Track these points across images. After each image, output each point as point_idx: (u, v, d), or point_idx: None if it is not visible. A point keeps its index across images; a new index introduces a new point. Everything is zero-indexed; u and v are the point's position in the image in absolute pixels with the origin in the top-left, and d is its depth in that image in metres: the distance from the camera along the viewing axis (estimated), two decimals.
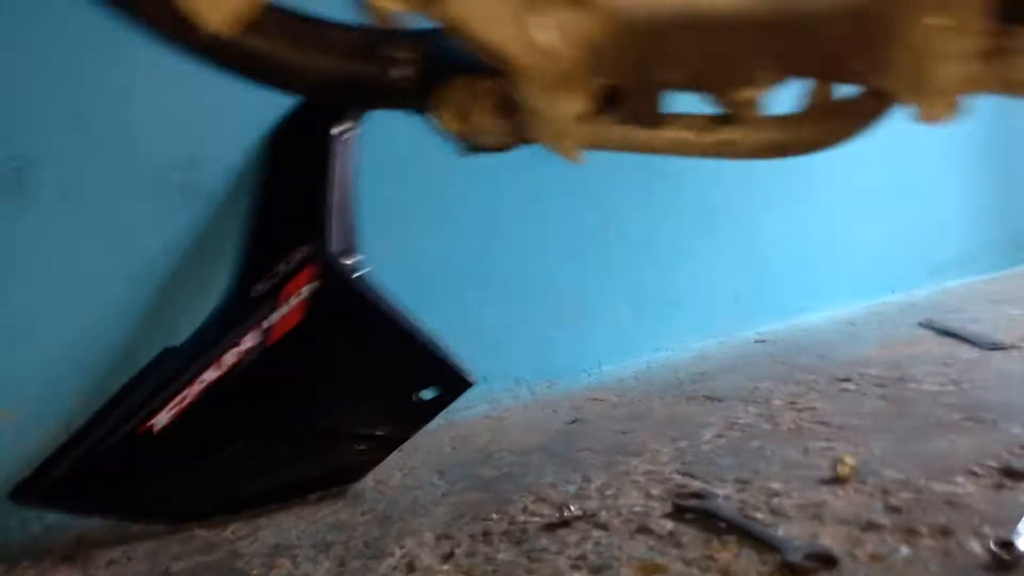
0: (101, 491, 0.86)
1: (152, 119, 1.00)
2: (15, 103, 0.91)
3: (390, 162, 1.20)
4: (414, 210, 1.23)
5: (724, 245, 1.66)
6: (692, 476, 0.88)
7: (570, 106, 0.47)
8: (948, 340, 1.46)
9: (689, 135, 0.50)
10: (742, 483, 0.85)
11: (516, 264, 1.34)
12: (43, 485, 0.83)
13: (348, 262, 0.99)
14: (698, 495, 0.81)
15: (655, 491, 0.85)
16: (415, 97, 0.50)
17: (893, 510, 0.76)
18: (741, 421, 1.08)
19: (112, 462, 0.85)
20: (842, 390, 1.19)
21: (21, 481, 0.84)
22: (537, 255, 1.36)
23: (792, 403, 1.14)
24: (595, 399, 1.27)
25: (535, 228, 1.36)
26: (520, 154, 1.35)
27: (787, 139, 0.49)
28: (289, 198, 1.04)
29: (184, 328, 0.96)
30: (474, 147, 0.49)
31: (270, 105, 1.08)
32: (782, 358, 1.44)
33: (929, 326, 1.60)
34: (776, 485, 0.83)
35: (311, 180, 1.04)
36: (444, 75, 0.47)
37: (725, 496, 0.81)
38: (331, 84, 0.50)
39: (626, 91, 0.48)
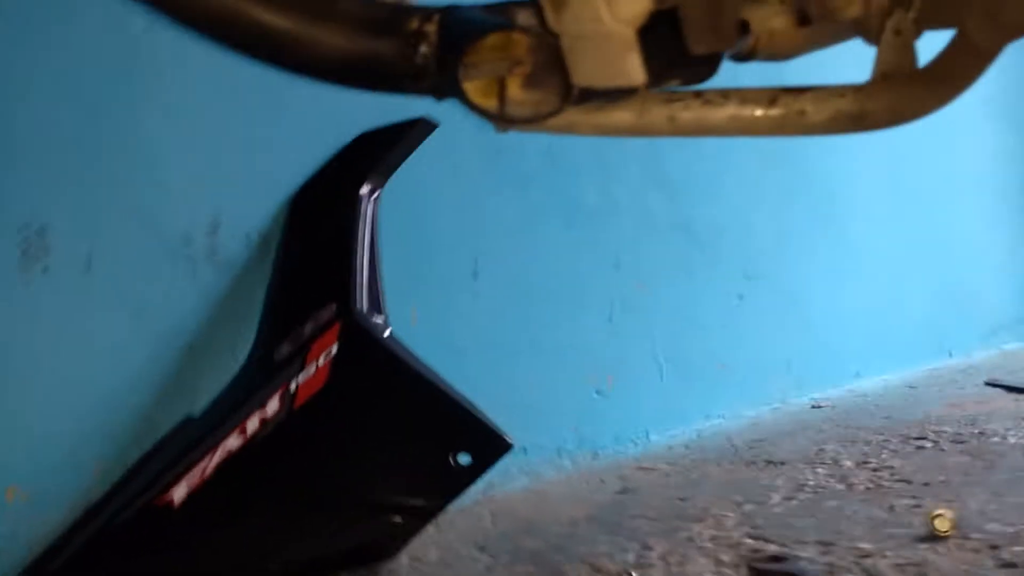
0: (116, 570, 0.78)
1: (173, 182, 0.97)
2: (33, 166, 0.89)
3: (416, 222, 1.16)
4: (443, 273, 1.18)
5: (768, 309, 1.59)
6: (766, 539, 0.78)
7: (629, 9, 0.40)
8: (1022, 397, 1.35)
9: (754, 109, 0.45)
10: (825, 544, 0.75)
11: (551, 328, 1.27)
12: (56, 565, 0.76)
13: (376, 321, 0.94)
14: (777, 558, 0.71)
15: (726, 557, 0.75)
16: (437, 74, 0.43)
17: (1007, 565, 0.65)
18: (811, 483, 0.97)
19: (128, 539, 0.78)
20: (918, 448, 1.08)
21: (32, 562, 0.77)
22: (573, 319, 1.30)
23: (864, 463, 1.03)
24: (644, 468, 1.17)
25: (571, 290, 1.31)
26: (555, 215, 1.32)
27: (865, 108, 0.44)
28: (314, 259, 1.01)
29: (207, 396, 0.91)
30: (510, 121, 0.43)
31: (294, 167, 1.06)
32: (844, 421, 1.34)
33: (997, 384, 1.49)
34: (866, 545, 0.73)
35: (336, 240, 1.00)
36: (468, 40, 0.41)
37: (809, 559, 0.71)
38: (342, 62, 0.44)
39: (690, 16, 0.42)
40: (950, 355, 1.92)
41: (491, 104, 0.42)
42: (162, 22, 0.97)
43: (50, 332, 0.88)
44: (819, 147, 1.79)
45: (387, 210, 1.10)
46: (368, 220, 1.04)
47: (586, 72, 0.42)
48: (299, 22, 0.43)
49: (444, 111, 1.17)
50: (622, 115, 0.47)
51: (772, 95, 0.45)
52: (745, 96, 0.46)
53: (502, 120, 0.43)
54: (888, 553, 0.70)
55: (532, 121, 0.43)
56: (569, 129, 0.48)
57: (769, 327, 1.57)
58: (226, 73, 1.03)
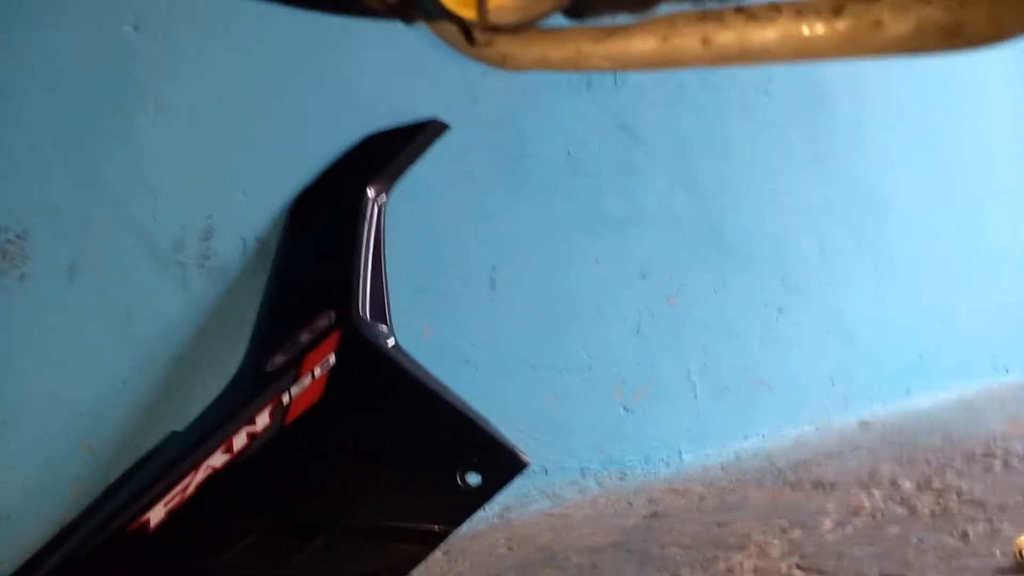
0: None
1: (165, 185, 0.92)
2: (14, 168, 0.83)
3: (428, 230, 1.09)
4: (458, 284, 1.10)
5: (808, 322, 1.48)
6: (820, 572, 0.68)
7: None
8: None
9: (814, 24, 0.36)
10: None
11: (575, 342, 1.19)
12: None
13: (379, 329, 0.86)
14: None
15: None
16: None
17: None
18: (866, 507, 0.87)
19: (96, 568, 0.70)
20: (986, 468, 0.97)
21: None
22: (598, 332, 1.21)
23: (926, 485, 0.92)
24: (676, 490, 1.07)
25: (595, 302, 1.22)
26: (577, 222, 1.24)
27: (960, 18, 0.34)
28: (314, 264, 0.94)
29: (195, 410, 0.83)
30: (493, 30, 0.35)
31: (296, 169, 1.00)
32: (897, 440, 1.22)
33: None
34: None
35: (338, 244, 0.94)
36: None
37: None
38: None
39: None
40: (1006, 371, 1.79)
41: (469, 13, 0.34)
42: (154, 21, 0.93)
43: (27, 343, 0.81)
44: (859, 150, 1.69)
45: (396, 217, 1.03)
46: (373, 224, 0.97)
47: None
48: None
49: (458, 116, 1.12)
50: (644, 40, 0.38)
51: (837, 4, 0.36)
52: (801, 7, 0.37)
53: (483, 30, 0.35)
54: None
55: (520, 28, 0.34)
56: (578, 62, 0.40)
57: (810, 341, 1.46)
58: (222, 71, 0.98)
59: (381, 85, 1.09)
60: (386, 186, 1.02)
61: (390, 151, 1.06)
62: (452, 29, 0.41)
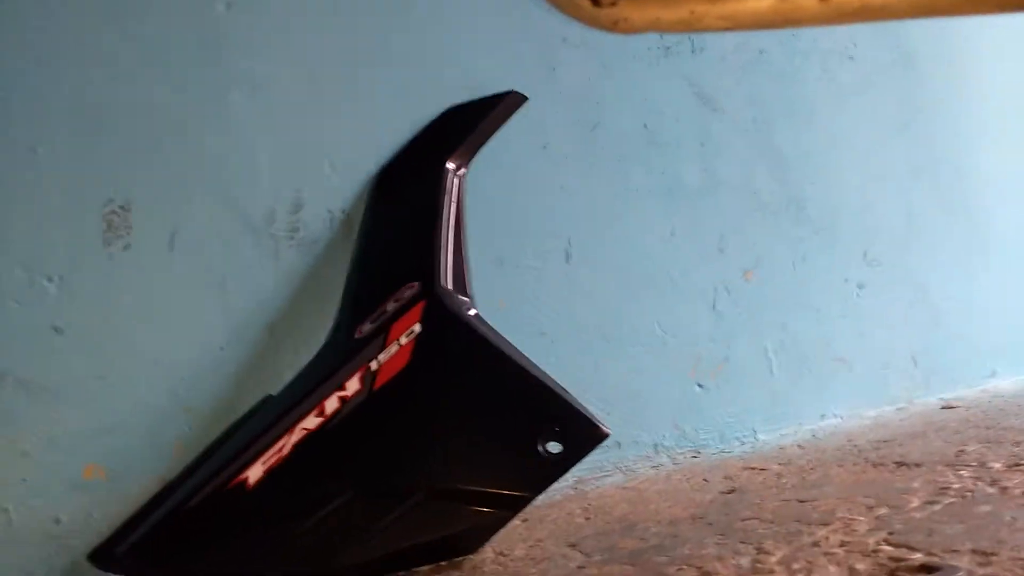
0: (186, 554, 0.75)
1: (257, 159, 0.95)
2: (118, 142, 0.88)
3: (505, 202, 1.10)
4: (534, 256, 1.11)
5: (891, 298, 1.44)
6: (909, 547, 0.67)
7: None
8: None
9: None
10: (984, 554, 0.63)
11: (650, 316, 1.18)
12: (123, 547, 0.73)
13: (461, 299, 0.88)
14: (928, 568, 0.60)
15: (860, 565, 0.64)
16: None
17: None
18: (954, 486, 0.84)
19: (198, 521, 0.75)
20: None
21: (101, 542, 0.74)
22: (674, 307, 1.20)
23: (1017, 465, 0.89)
24: (752, 468, 1.06)
25: (671, 276, 1.21)
26: (654, 195, 1.23)
27: None
28: (398, 236, 0.96)
29: (287, 375, 0.87)
30: None
31: (380, 143, 1.02)
32: (983, 422, 1.18)
33: None
34: None
35: (420, 216, 0.95)
36: None
37: (968, 570, 0.60)
38: None
39: None
40: None
41: None
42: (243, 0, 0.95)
43: (132, 309, 0.86)
44: (950, 117, 1.62)
45: (475, 189, 1.04)
46: (454, 196, 0.99)
47: None
48: None
49: (536, 87, 1.12)
50: None
51: None
52: None
53: None
54: None
55: None
56: (692, 23, 0.39)
57: (892, 318, 1.42)
58: (310, 49, 1.00)
59: (462, 59, 1.10)
60: (466, 158, 1.04)
61: (470, 124, 1.07)
62: None
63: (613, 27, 0.41)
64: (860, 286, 1.40)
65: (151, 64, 0.90)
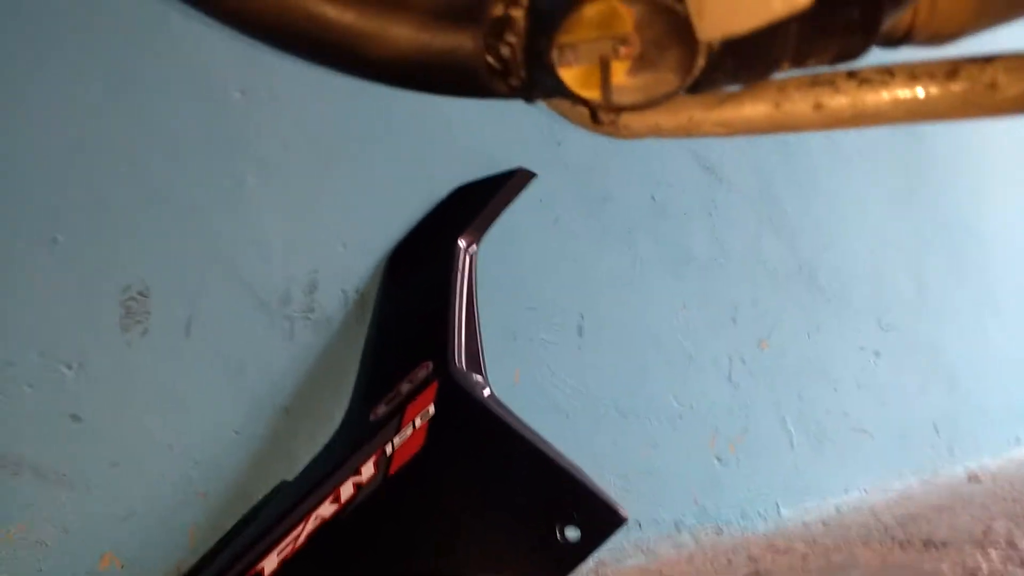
0: None
1: (273, 241, 0.96)
2: (136, 227, 0.89)
3: (517, 277, 1.11)
4: (547, 330, 1.11)
5: (908, 365, 1.43)
6: None
7: None
8: None
9: (928, 86, 0.36)
10: None
11: (665, 389, 1.17)
12: None
13: (475, 379, 0.88)
14: None
15: None
16: (526, 66, 0.36)
17: None
18: (983, 569, 0.82)
19: None
20: None
21: None
22: (689, 378, 1.19)
23: None
24: (776, 548, 1.03)
25: (685, 347, 1.21)
26: (664, 266, 1.23)
27: None
28: (411, 316, 0.96)
29: (303, 459, 0.87)
30: (616, 110, 0.36)
31: (389, 223, 1.04)
32: (1009, 495, 1.15)
33: None
34: None
35: (433, 295, 0.96)
36: (561, 14, 0.34)
37: None
38: (414, 59, 0.37)
39: None
40: None
41: (593, 93, 0.35)
42: (259, 87, 0.98)
43: (147, 395, 0.86)
44: (953, 181, 1.63)
45: (486, 265, 1.05)
46: (466, 274, 1.00)
47: (722, 12, 0.32)
48: (364, 15, 0.36)
49: (543, 162, 1.14)
50: (755, 107, 0.39)
51: (951, 66, 0.36)
52: (914, 71, 0.37)
53: (607, 110, 0.36)
54: None
55: (645, 107, 0.35)
56: (690, 129, 0.40)
57: (910, 386, 1.41)
58: (322, 133, 1.03)
59: (470, 137, 1.13)
60: (477, 236, 1.05)
61: (480, 202, 1.08)
62: (573, 106, 0.43)
63: (616, 133, 0.42)
64: (876, 354, 1.39)
65: (167, 152, 0.93)
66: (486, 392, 0.86)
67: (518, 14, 0.36)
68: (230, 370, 0.91)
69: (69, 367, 0.83)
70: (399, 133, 1.08)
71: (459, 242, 1.01)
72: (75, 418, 0.82)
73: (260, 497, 0.84)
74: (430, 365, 0.87)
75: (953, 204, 1.62)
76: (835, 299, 1.37)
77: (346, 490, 0.78)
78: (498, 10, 0.36)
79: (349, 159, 1.03)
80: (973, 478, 1.32)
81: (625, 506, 0.80)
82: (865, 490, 1.26)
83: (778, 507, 1.18)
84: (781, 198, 1.37)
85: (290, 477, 0.84)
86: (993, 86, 0.35)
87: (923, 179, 1.58)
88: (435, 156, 1.09)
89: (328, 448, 0.85)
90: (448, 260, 0.99)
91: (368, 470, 0.79)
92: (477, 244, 1.04)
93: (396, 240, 1.04)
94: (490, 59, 0.36)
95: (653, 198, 1.26)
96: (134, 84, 0.91)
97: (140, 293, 0.88)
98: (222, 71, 0.96)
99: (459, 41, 0.36)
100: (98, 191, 0.88)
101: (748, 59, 0.36)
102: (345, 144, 1.04)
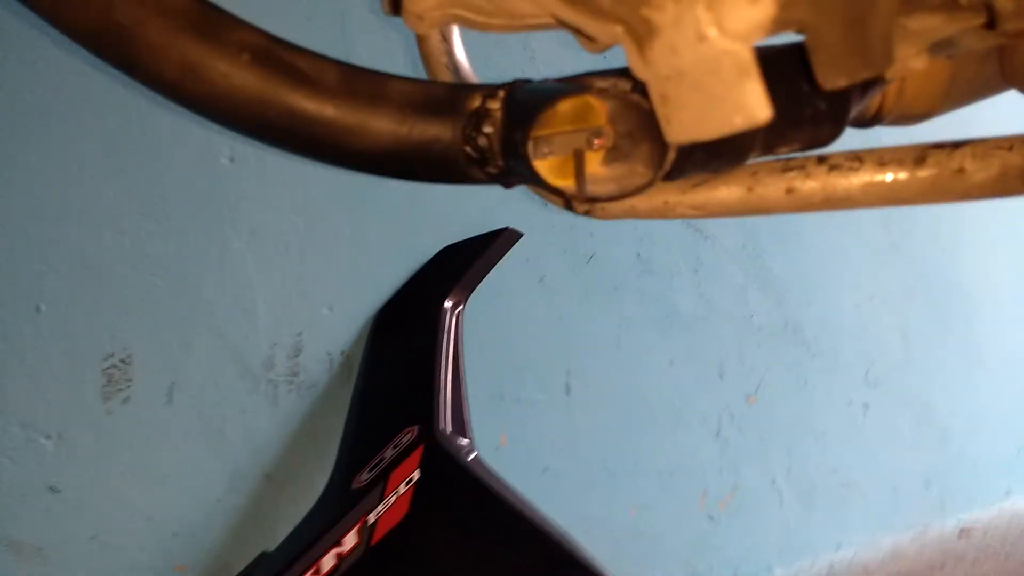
0: None
1: (258, 305, 0.96)
2: (119, 293, 0.89)
3: (503, 337, 1.11)
4: (533, 390, 1.11)
5: (896, 418, 1.43)
6: None
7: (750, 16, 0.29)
8: None
9: (897, 172, 0.37)
10: None
11: (653, 447, 1.17)
12: None
13: (461, 443, 0.87)
14: None
15: None
16: (503, 156, 0.37)
17: None
18: None
19: None
20: None
21: None
22: (677, 436, 1.19)
23: None
24: None
25: (672, 405, 1.20)
26: (650, 324, 1.24)
27: None
28: (396, 379, 0.96)
29: (284, 528, 0.85)
30: (591, 200, 0.37)
31: (375, 284, 1.04)
32: (1002, 549, 1.14)
33: None
34: None
35: (419, 358, 0.96)
36: (536, 110, 0.35)
37: None
38: (394, 150, 0.38)
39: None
40: None
41: (567, 184, 0.36)
42: (247, 153, 0.99)
43: (127, 465, 0.85)
44: (935, 235, 1.66)
45: (473, 324, 1.05)
46: (451, 336, 1.00)
47: (687, 122, 0.33)
48: (345, 109, 0.37)
49: (529, 222, 1.15)
50: (728, 190, 0.40)
51: (919, 153, 0.37)
52: (883, 156, 0.38)
53: (581, 200, 0.37)
54: None
55: (618, 199, 0.36)
56: (665, 212, 0.41)
57: (899, 439, 1.40)
58: (307, 194, 1.04)
59: (454, 198, 1.14)
60: (463, 296, 1.05)
61: (466, 262, 1.09)
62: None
63: (591, 215, 0.43)
64: (865, 406, 1.39)
65: (153, 216, 0.93)
66: (472, 456, 0.85)
67: (495, 106, 0.37)
68: (212, 437, 0.90)
69: (48, 437, 0.82)
70: (384, 194, 1.09)
71: (445, 303, 1.02)
72: (53, 490, 0.81)
73: (240, 569, 0.82)
74: (415, 430, 0.86)
75: (935, 256, 1.65)
76: (821, 354, 1.38)
77: (328, 561, 0.76)
78: (476, 102, 0.37)
79: (335, 222, 1.04)
80: (964, 533, 1.31)
81: (615, 569, 0.78)
82: (856, 546, 1.25)
83: (771, 568, 1.17)
84: (766, 254, 1.39)
85: (271, 548, 0.83)
86: (961, 172, 0.36)
87: (906, 233, 1.60)
88: (421, 217, 1.10)
89: (310, 517, 0.83)
90: (434, 322, 1.00)
91: (350, 540, 0.78)
92: (463, 305, 1.05)
93: (382, 302, 1.04)
94: (468, 149, 0.37)
95: (638, 255, 1.27)
96: (121, 150, 0.92)
97: (122, 360, 0.88)
98: (211, 137, 0.98)
99: (438, 132, 0.37)
100: (81, 258, 0.88)
101: (718, 153, 0.37)
102: (331, 207, 1.04)
